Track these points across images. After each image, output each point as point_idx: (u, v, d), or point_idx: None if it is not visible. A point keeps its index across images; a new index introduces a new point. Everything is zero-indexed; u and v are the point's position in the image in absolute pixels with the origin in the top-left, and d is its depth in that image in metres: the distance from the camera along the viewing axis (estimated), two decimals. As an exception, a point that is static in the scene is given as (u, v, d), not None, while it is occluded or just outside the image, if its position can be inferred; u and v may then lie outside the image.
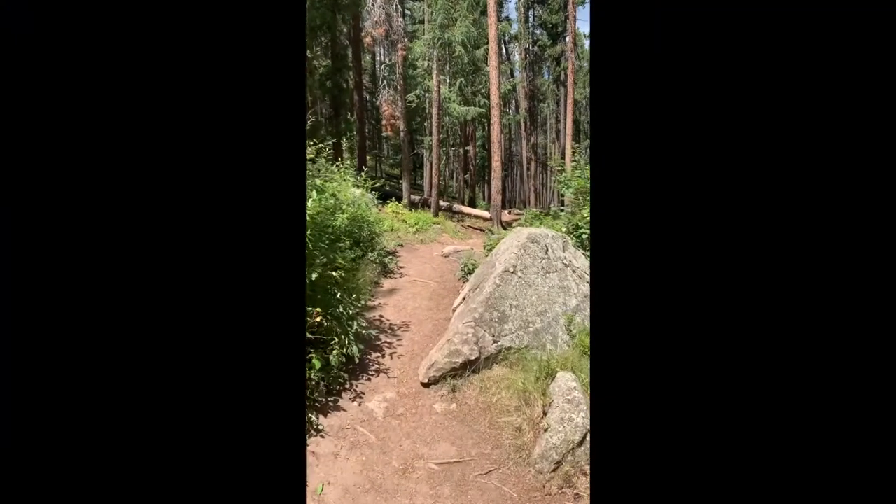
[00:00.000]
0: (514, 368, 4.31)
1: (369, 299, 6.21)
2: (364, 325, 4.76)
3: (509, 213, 17.55)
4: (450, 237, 11.38)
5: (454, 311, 5.62)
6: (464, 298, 5.56)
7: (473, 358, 4.26)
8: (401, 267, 7.96)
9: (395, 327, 5.51)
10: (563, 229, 7.71)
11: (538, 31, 30.58)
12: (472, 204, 17.34)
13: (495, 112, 13.50)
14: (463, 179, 21.57)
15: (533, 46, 30.16)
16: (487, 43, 14.64)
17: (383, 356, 4.83)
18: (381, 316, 5.77)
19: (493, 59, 13.43)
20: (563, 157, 28.97)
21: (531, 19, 30.60)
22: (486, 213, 13.57)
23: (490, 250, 7.46)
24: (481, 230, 13.12)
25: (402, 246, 9.40)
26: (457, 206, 14.27)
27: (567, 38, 27.68)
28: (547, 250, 5.53)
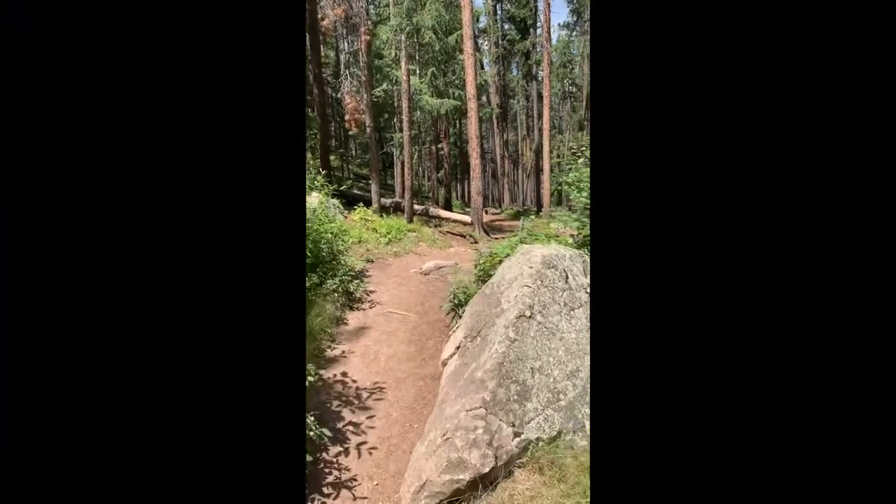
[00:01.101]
0: (545, 474, 2.75)
1: (329, 347, 4.54)
2: (319, 403, 3.10)
3: (486, 212, 16.05)
4: (427, 246, 9.77)
5: (444, 363, 4.03)
6: (458, 347, 3.98)
7: (487, 470, 2.66)
8: (371, 292, 6.30)
9: (364, 394, 3.86)
10: (570, 241, 6.23)
11: (507, 26, 29.34)
12: (448, 205, 15.69)
13: (472, 105, 11.92)
14: (436, 178, 19.96)
15: (502, 40, 28.85)
16: (461, 28, 13.04)
17: (346, 452, 3.19)
18: (343, 375, 4.11)
19: (467, 46, 11.83)
20: (538, 154, 27.86)
21: (499, 13, 29.28)
22: (465, 218, 12.00)
23: (482, 271, 5.88)
24: (461, 236, 11.57)
25: (371, 262, 7.73)
26: (433, 210, 12.60)
27: (540, 31, 26.58)
28: (567, 277, 3.99)
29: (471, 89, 11.84)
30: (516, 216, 20.09)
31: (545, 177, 18.63)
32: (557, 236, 7.30)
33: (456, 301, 4.97)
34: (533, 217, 16.90)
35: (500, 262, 5.88)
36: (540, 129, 30.75)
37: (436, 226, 12.13)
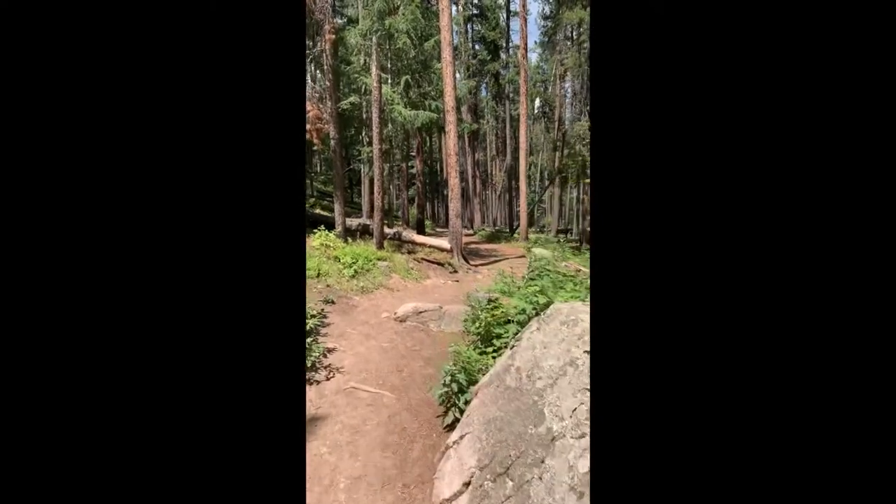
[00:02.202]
0: None
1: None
2: None
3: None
4: (401, 278, 8.12)
5: (446, 505, 2.40)
6: (467, 484, 2.36)
7: None
8: (329, 351, 4.59)
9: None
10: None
11: (477, 46, 28.60)
12: (421, 227, 14.07)
13: (451, 118, 10.48)
14: (406, 198, 18.38)
15: (473, 59, 28.00)
16: (438, 34, 11.68)
17: None
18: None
19: (446, 53, 10.45)
20: (510, 174, 26.87)
21: (470, 32, 28.52)
22: (443, 244, 10.39)
23: (486, 329, 4.29)
24: (439, 264, 9.98)
25: (332, 303, 6.00)
26: (406, 234, 10.89)
27: (511, 53, 25.85)
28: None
29: (449, 100, 10.42)
30: (491, 238, 18.72)
31: (522, 197, 17.41)
32: (573, 275, 5.88)
33: (454, 387, 3.31)
34: (521, 238, 15.65)
35: (505, 315, 4.33)
36: (514, 150, 29.90)
37: (409, 252, 10.47)
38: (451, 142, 10.40)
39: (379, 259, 8.45)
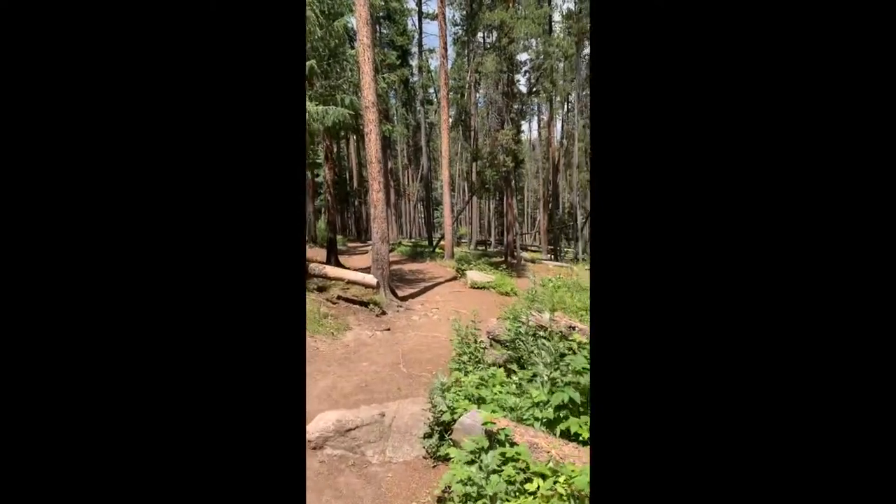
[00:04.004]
0: None
1: None
2: None
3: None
4: (310, 336, 5.53)
5: None
6: None
7: None
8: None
9: None
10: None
11: (386, 50, 26.34)
12: (332, 246, 11.19)
13: (371, 115, 8.07)
14: (313, 210, 15.44)
15: (382, 63, 25.67)
16: (351, 12, 9.21)
17: None
18: None
19: (363, 35, 8.03)
20: (427, 185, 24.88)
21: (378, 32, 26.13)
22: (368, 279, 7.76)
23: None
24: (361, 304, 7.45)
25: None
26: (317, 267, 7.97)
27: (428, 54, 24.01)
28: None
29: (368, 94, 8.01)
30: (413, 255, 16.44)
31: (446, 209, 15.42)
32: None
33: None
34: (446, 255, 13.34)
35: (524, 465, 2.11)
36: (432, 158, 27.96)
37: (318, 288, 7.77)
38: (373, 145, 7.98)
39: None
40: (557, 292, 8.61)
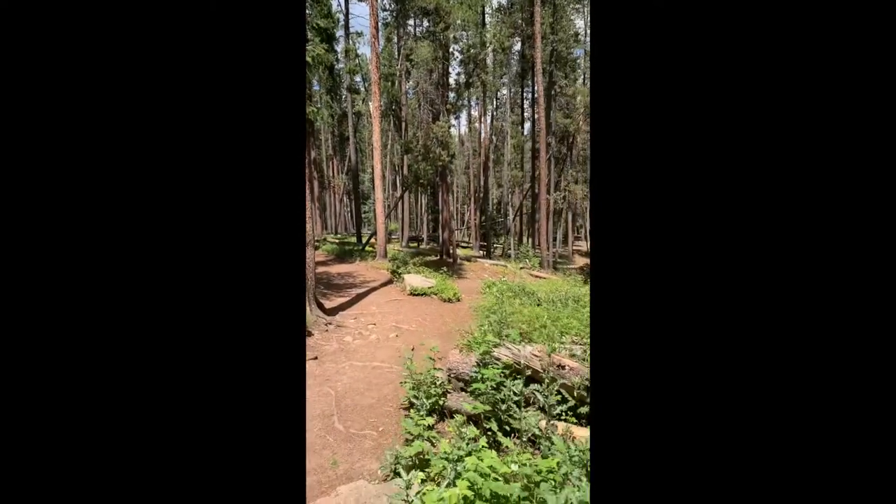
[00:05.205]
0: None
1: None
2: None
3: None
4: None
5: None
6: None
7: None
8: None
9: None
10: None
11: (309, 34, 23.93)
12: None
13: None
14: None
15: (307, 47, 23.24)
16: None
17: None
18: None
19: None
20: (354, 177, 23.10)
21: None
22: None
23: None
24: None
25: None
26: None
27: (356, 38, 22.04)
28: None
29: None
30: (341, 253, 14.83)
31: (378, 205, 14.02)
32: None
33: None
34: (379, 254, 11.56)
35: None
36: (362, 148, 25.98)
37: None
38: (293, 129, 6.47)
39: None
40: (508, 302, 7.71)
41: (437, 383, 3.52)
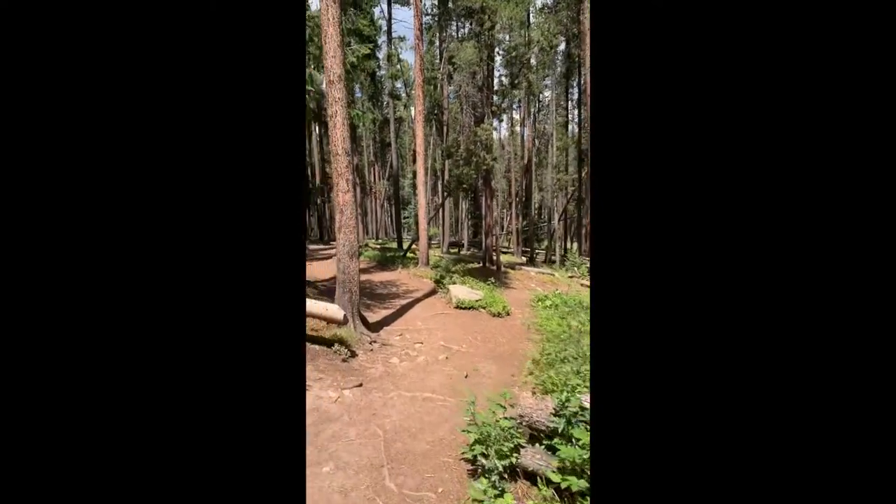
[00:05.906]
0: None
1: None
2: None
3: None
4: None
5: None
6: None
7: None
8: None
9: None
10: None
11: (352, 41, 24.04)
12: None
13: (336, 93, 6.08)
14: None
15: (351, 56, 23.30)
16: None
17: None
18: None
19: (326, -11, 6.02)
20: (395, 182, 22.83)
21: (342, 22, 23.80)
22: (333, 311, 5.54)
23: None
24: (324, 343, 5.45)
25: None
26: None
27: (398, 42, 21.87)
28: None
29: (334, 67, 6.02)
30: (383, 260, 14.42)
31: (420, 210, 13.51)
32: None
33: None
34: (420, 261, 10.96)
35: None
36: (412, 153, 25.78)
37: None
38: (339, 132, 5.99)
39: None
40: (566, 320, 6.92)
41: (510, 434, 2.85)
